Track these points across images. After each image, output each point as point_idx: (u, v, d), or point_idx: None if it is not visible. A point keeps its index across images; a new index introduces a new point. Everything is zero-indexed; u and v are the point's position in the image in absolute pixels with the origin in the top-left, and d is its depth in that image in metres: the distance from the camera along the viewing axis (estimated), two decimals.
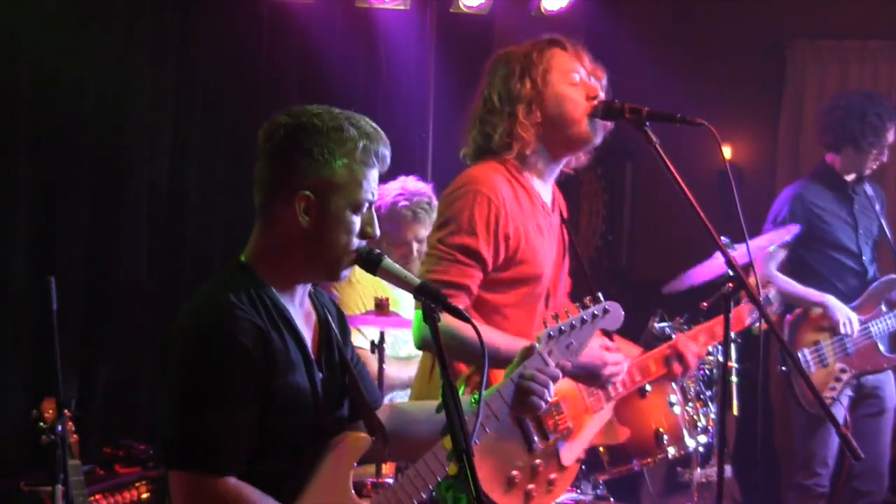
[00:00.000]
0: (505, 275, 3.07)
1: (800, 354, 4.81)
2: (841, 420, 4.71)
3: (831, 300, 4.89)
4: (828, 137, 5.08)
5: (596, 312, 2.65)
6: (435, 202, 4.43)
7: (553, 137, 3.15)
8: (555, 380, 2.46)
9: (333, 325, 2.48)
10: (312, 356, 2.36)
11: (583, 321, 2.62)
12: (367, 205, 2.34)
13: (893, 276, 5.05)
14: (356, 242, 2.34)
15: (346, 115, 2.34)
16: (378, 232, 2.38)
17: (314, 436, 2.34)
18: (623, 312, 2.74)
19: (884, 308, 4.99)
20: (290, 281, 2.35)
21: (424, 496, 2.39)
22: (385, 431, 2.43)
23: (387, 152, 2.36)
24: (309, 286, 2.43)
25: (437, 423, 2.38)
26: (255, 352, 2.21)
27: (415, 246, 4.42)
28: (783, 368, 4.90)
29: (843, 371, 4.89)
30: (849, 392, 4.96)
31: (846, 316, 4.87)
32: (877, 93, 5.40)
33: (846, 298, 4.94)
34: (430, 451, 2.39)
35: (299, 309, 2.39)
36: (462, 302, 2.98)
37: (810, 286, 4.95)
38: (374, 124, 2.37)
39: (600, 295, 2.70)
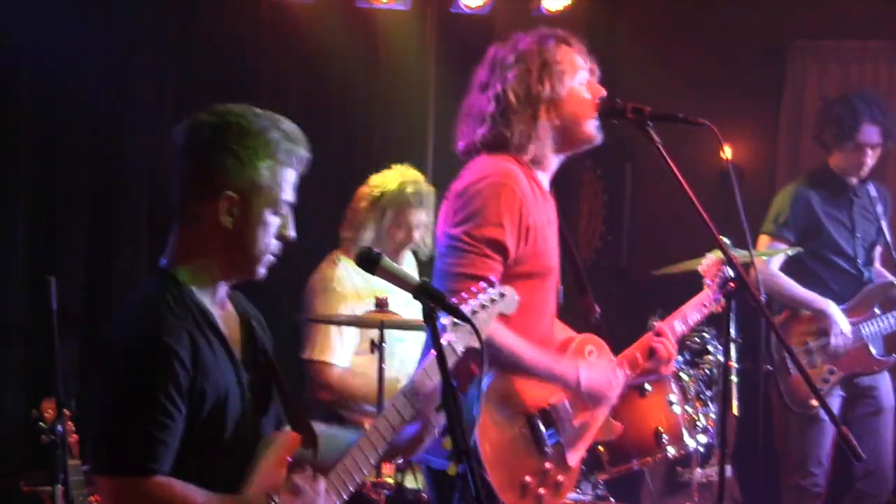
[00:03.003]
0: (521, 269, 3.06)
1: (787, 355, 4.80)
2: (828, 421, 4.70)
3: (833, 308, 4.89)
4: (814, 136, 5.20)
5: (493, 297, 2.67)
6: (432, 189, 4.46)
7: (563, 137, 3.16)
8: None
9: (257, 328, 2.49)
10: (238, 356, 2.37)
11: (482, 306, 2.64)
12: (285, 206, 2.37)
13: (890, 279, 5.04)
14: (274, 243, 2.36)
15: (269, 116, 2.36)
16: (294, 234, 2.39)
17: (245, 436, 2.34)
18: (518, 297, 2.74)
19: (877, 310, 4.99)
20: (210, 281, 2.37)
21: (381, 451, 2.42)
22: (314, 433, 2.44)
23: (307, 154, 2.39)
24: (229, 287, 2.43)
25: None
26: (186, 356, 2.22)
27: (415, 234, 4.42)
28: (769, 368, 4.91)
29: (831, 372, 4.90)
30: (841, 392, 4.97)
31: (840, 330, 4.87)
32: (869, 92, 5.37)
33: (839, 300, 4.95)
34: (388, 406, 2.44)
35: (221, 310, 2.40)
36: None
37: (804, 286, 4.95)
38: (294, 125, 2.39)
39: (492, 278, 2.72)
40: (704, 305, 3.55)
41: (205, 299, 2.34)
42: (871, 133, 4.95)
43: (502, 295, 2.70)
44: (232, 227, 2.31)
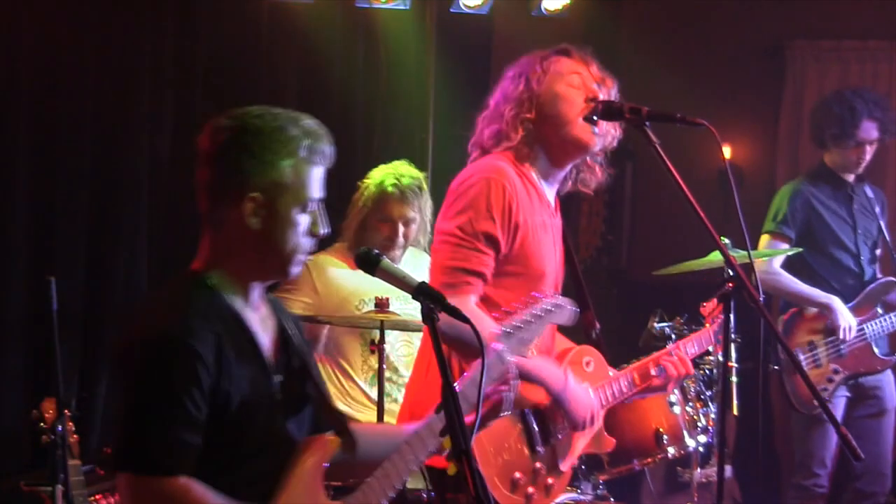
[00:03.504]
0: (509, 267, 3.07)
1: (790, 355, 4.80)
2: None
3: (837, 303, 4.88)
4: (812, 135, 5.20)
5: (549, 308, 2.67)
6: (425, 186, 4.45)
7: (549, 138, 3.17)
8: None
9: (291, 332, 2.48)
10: (269, 359, 2.37)
11: (537, 317, 2.64)
12: (313, 203, 2.36)
13: (892, 278, 5.05)
14: (305, 241, 2.36)
15: (288, 115, 2.36)
16: (324, 230, 2.39)
17: (276, 439, 2.34)
18: (574, 309, 2.75)
19: (880, 310, 4.99)
20: (242, 284, 2.36)
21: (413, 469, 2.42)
22: (352, 436, 2.44)
23: (330, 149, 2.38)
24: (263, 288, 2.42)
25: (389, 444, 2.42)
26: (209, 357, 2.22)
27: (400, 228, 4.37)
28: (775, 367, 4.91)
29: (835, 372, 4.89)
30: (846, 392, 4.97)
31: (848, 322, 4.86)
32: (863, 89, 5.38)
33: (842, 298, 4.94)
34: (424, 424, 2.42)
35: (255, 313, 2.39)
36: (479, 290, 3.01)
37: (807, 284, 4.96)
38: (316, 122, 2.39)
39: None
40: (703, 343, 3.66)
41: (236, 302, 2.34)
42: (869, 129, 4.98)
43: (558, 306, 2.69)
44: (260, 228, 2.30)
